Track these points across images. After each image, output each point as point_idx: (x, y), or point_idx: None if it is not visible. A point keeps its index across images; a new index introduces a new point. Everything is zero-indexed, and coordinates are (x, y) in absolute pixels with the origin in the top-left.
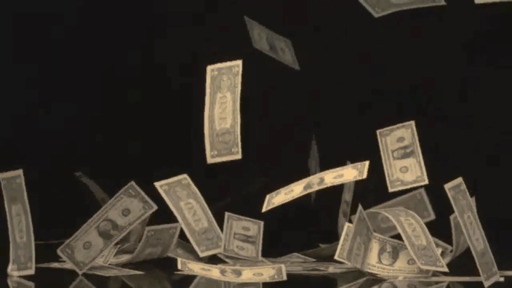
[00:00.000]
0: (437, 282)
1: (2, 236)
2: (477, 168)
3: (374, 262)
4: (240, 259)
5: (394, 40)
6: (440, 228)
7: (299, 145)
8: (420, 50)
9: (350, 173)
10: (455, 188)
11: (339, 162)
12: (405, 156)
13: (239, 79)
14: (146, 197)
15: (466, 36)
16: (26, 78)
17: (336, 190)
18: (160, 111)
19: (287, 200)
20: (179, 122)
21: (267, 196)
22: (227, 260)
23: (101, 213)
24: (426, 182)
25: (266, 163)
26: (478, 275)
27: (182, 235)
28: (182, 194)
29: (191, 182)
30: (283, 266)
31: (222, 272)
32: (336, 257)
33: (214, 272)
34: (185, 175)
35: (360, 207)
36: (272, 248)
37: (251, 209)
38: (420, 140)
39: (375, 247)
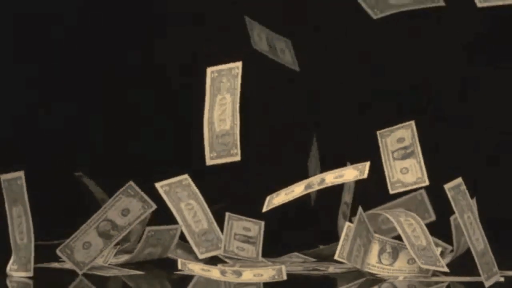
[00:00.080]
0: (437, 282)
1: (2, 236)
2: (477, 168)
3: (374, 262)
4: (240, 259)
5: (394, 40)
6: (441, 229)
7: (299, 145)
8: (420, 50)
9: (351, 173)
10: (455, 188)
11: (339, 161)
12: (405, 156)
13: (238, 81)
14: (145, 196)
15: (466, 36)
16: (26, 78)
17: (336, 190)
18: (160, 111)
19: (287, 200)
20: (179, 122)
21: (268, 198)
22: (227, 260)
23: (100, 213)
24: (427, 183)
25: (266, 164)
26: (479, 275)
27: (182, 236)
28: (182, 195)
29: (191, 182)
30: (283, 267)
31: (222, 273)
32: (336, 257)
33: (214, 272)
34: (186, 176)
35: (360, 209)
36: (272, 248)
37: (251, 209)
38: (420, 140)
39: (375, 247)
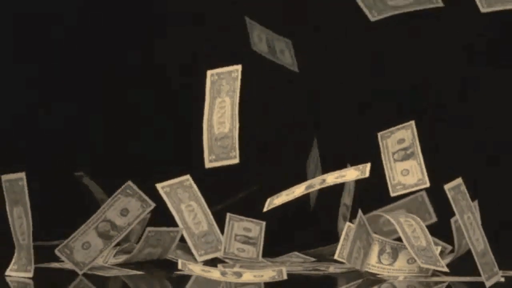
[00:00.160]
0: (437, 282)
1: (2, 237)
2: (477, 168)
3: (374, 262)
4: (240, 260)
5: (394, 40)
6: (442, 230)
7: (299, 145)
8: (420, 50)
9: (352, 174)
10: (455, 188)
11: (339, 161)
12: (406, 157)
13: (238, 83)
14: (143, 195)
15: (466, 36)
16: (26, 78)
17: (336, 191)
18: (160, 111)
19: (288, 200)
20: (179, 122)
21: (268, 199)
22: (227, 260)
23: (99, 214)
24: (428, 185)
25: (266, 164)
26: (479, 275)
27: (182, 238)
28: (183, 196)
29: (193, 183)
30: (284, 268)
31: (223, 274)
32: (336, 257)
33: (214, 273)
34: (187, 176)
35: (360, 212)
36: (272, 248)
37: (251, 209)
38: (420, 141)
39: (374, 248)
